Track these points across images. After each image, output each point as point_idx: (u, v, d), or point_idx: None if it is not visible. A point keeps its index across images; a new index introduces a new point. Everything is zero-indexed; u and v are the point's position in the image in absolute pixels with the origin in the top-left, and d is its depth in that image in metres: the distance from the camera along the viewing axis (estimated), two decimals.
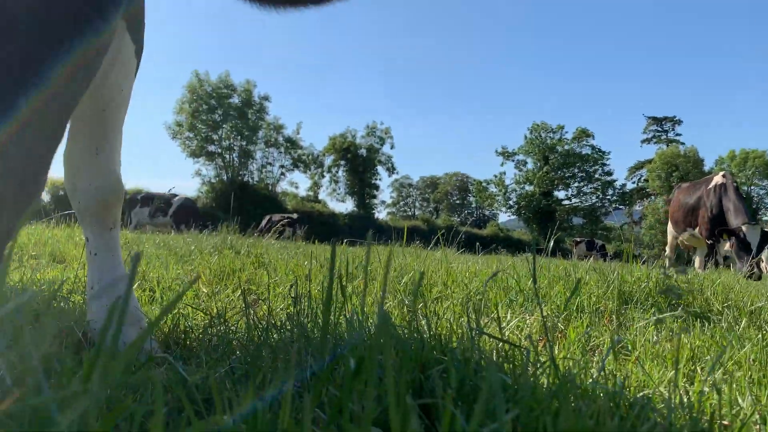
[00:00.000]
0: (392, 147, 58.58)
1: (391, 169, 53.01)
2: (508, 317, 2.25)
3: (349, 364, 1.05)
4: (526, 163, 54.84)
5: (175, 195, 15.79)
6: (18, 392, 0.41)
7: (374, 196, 51.67)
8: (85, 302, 2.28)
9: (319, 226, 32.04)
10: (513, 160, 55.42)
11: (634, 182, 57.03)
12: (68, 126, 1.76)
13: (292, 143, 47.91)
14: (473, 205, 67.30)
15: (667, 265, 3.65)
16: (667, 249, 10.23)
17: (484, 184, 56.19)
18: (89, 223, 1.87)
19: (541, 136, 54.24)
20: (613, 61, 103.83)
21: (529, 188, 53.35)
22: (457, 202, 70.00)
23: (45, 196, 33.62)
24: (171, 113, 44.35)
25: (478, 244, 5.31)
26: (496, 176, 55.35)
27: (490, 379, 0.56)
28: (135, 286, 2.86)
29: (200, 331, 2.04)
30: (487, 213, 64.59)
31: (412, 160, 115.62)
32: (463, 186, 69.61)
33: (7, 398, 0.53)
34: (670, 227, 10.05)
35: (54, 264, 4.29)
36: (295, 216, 19.43)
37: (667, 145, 54.88)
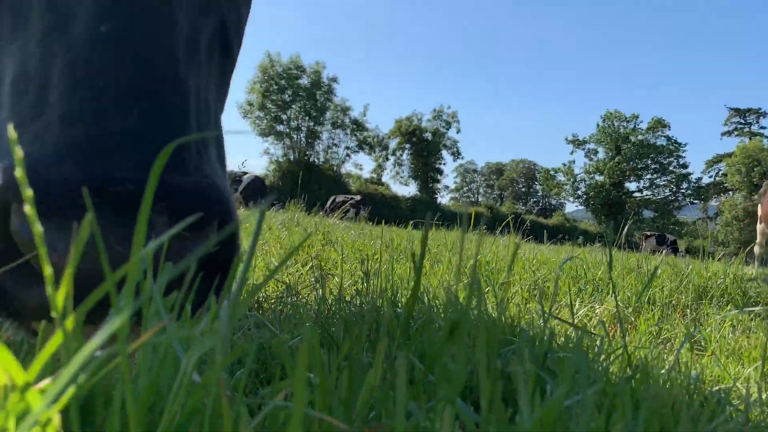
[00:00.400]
0: (458, 131, 58.17)
1: (456, 154, 52.60)
2: (577, 306, 2.23)
3: (432, 329, 1.08)
4: (597, 152, 53.23)
5: (246, 173, 16.25)
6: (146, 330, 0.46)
7: (437, 181, 51.49)
8: None
9: (381, 208, 32.23)
10: (583, 149, 53.90)
11: (710, 176, 54.46)
12: None
13: (358, 125, 48.25)
14: (539, 194, 66.00)
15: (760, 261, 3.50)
16: (756, 248, 9.75)
17: (552, 173, 54.93)
18: None
19: (614, 124, 52.45)
20: (695, 49, 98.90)
21: (599, 178, 51.81)
22: (523, 189, 68.81)
23: None
24: (243, 92, 45.42)
25: (545, 232, 5.21)
26: (564, 165, 54.00)
27: (577, 349, 0.57)
28: None
29: (273, 301, 2.12)
30: (553, 202, 63.26)
31: (478, 145, 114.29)
32: (530, 173, 68.31)
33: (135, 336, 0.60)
34: (761, 227, 9.55)
35: None
36: (358, 197, 19.64)
37: (750, 139, 51.96)
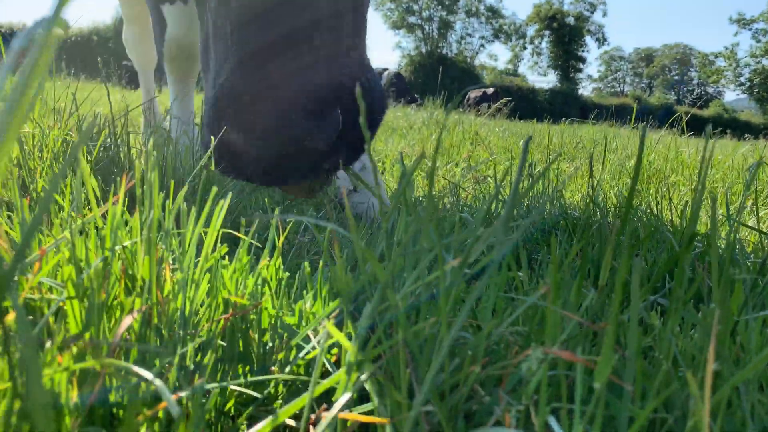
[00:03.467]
0: (604, 15, 53.59)
1: (602, 40, 48.66)
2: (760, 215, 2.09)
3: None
4: (766, 32, 46.70)
5: (386, 69, 16.29)
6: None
7: (579, 70, 48.26)
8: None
9: (517, 101, 31.03)
10: (750, 29, 47.48)
11: None
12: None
13: (493, 12, 45.84)
14: (694, 81, 59.85)
15: None
16: None
17: (710, 58, 49.35)
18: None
19: None
20: None
21: (766, 62, 45.80)
22: (675, 77, 62.63)
23: None
24: None
25: (709, 126, 4.79)
26: (726, 48, 48.15)
27: None
28: None
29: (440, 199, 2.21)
30: (710, 90, 57.23)
31: (626, 29, 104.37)
32: (684, 59, 61.72)
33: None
34: None
35: None
36: (492, 90, 19.08)
37: None
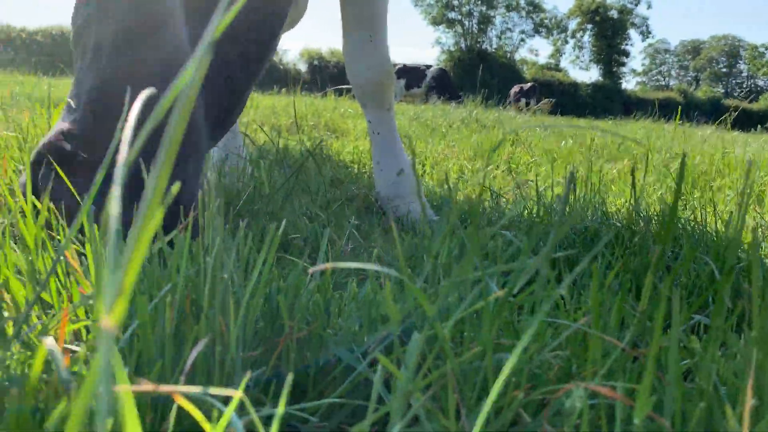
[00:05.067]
0: (649, 7, 52.20)
1: (646, 33, 47.52)
2: None
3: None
4: None
5: (429, 66, 16.29)
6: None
7: (623, 64, 47.20)
8: (370, 172, 2.61)
9: (558, 96, 30.55)
10: None
11: None
12: (344, 19, 2.10)
13: (534, 6, 45.23)
14: (743, 74, 57.87)
15: None
16: None
17: (761, 49, 47.65)
18: (370, 107, 2.15)
19: None
20: None
21: None
22: (723, 70, 60.63)
23: (302, 66, 36.87)
24: None
25: (760, 124, 4.67)
26: None
27: None
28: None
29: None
30: (760, 83, 55.25)
31: (672, 21, 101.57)
32: (733, 51, 59.69)
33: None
34: None
35: (329, 134, 4.87)
36: (529, 85, 18.90)
37: None
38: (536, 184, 2.15)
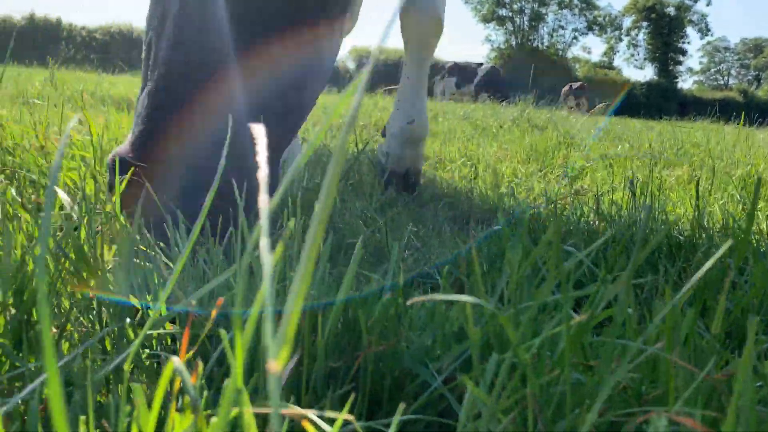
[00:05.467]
0: (708, 4, 50.36)
1: (704, 31, 45.96)
2: None
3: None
4: None
5: (481, 64, 16.23)
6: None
7: (679, 63, 45.75)
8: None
9: (611, 95, 29.81)
10: None
11: None
12: None
13: (587, 3, 44.27)
14: None
15: None
16: None
17: None
18: (410, 51, 2.25)
19: None
20: None
21: None
22: None
23: (350, 64, 37.13)
24: None
25: None
26: None
27: None
28: (459, 162, 3.15)
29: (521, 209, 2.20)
30: None
31: (732, 18, 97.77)
32: None
33: None
34: None
35: (378, 134, 4.90)
36: (578, 84, 18.57)
37: None
38: (597, 191, 2.12)
